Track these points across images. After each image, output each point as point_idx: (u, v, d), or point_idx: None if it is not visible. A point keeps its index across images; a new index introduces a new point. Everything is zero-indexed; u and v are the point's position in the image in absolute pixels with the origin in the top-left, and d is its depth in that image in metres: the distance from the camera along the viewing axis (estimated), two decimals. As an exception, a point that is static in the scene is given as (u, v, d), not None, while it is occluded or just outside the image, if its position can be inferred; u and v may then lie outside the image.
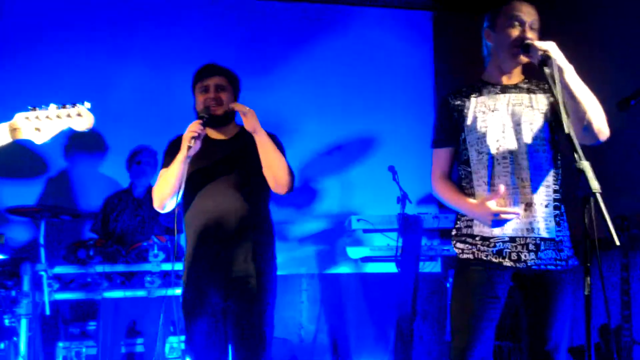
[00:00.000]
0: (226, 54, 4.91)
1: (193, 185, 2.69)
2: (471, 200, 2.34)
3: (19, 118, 1.74)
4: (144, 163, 4.23)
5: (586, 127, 2.17)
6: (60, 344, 3.79)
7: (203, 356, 2.67)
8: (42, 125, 1.72)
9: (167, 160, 2.73)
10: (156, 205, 2.74)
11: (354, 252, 4.35)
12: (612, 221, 1.69)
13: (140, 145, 4.30)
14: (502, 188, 2.22)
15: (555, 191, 2.31)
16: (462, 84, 2.53)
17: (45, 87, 4.49)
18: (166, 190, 2.65)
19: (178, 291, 3.59)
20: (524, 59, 2.30)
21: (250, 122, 2.65)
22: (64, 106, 1.78)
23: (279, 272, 2.77)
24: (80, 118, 1.74)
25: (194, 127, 2.58)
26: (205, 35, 4.94)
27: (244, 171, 2.70)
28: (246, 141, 2.72)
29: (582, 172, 1.77)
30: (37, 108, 1.78)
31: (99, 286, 3.55)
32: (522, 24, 2.30)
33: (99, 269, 3.54)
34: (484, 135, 2.32)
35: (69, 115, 1.74)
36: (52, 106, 1.79)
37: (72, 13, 4.74)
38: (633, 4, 3.91)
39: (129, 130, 4.56)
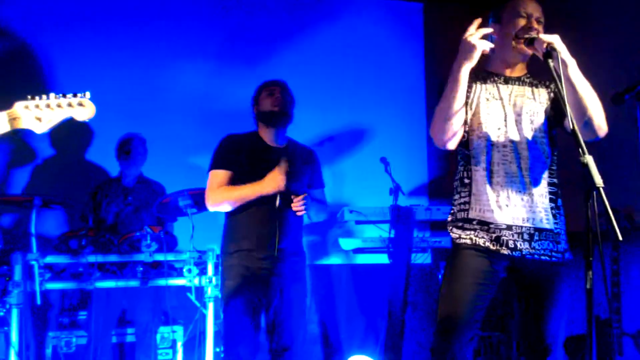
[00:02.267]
0: (215, 44, 4.91)
1: (248, 182, 3.01)
2: None
3: (19, 107, 1.71)
4: (133, 153, 4.19)
5: (586, 123, 2.20)
6: (51, 334, 3.77)
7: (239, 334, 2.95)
8: (42, 114, 1.69)
9: (221, 161, 3.09)
10: (210, 205, 3.07)
11: (346, 243, 4.35)
12: (602, 214, 1.71)
13: (128, 133, 4.25)
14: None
15: (551, 184, 2.34)
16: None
17: (36, 75, 4.42)
18: (227, 204, 3.05)
19: (171, 281, 3.59)
20: (526, 49, 2.30)
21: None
22: (64, 95, 1.75)
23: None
24: (82, 108, 1.72)
25: (280, 182, 2.95)
26: (195, 24, 4.90)
27: (293, 178, 3.05)
28: (294, 153, 3.18)
29: (585, 167, 1.79)
30: (36, 97, 1.74)
31: (90, 276, 3.52)
32: (528, 16, 2.32)
33: (91, 258, 3.51)
34: (485, 121, 2.34)
35: (70, 105, 1.71)
36: (52, 95, 1.75)
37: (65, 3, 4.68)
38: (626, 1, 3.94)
39: (116, 117, 4.50)
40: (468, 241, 2.33)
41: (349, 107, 5.01)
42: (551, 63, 2.04)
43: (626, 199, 3.66)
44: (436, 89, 2.37)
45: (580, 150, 1.82)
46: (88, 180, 4.37)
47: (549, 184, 2.33)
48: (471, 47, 2.16)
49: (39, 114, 1.69)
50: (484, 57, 2.48)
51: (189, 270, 3.51)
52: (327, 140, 4.91)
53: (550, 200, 2.32)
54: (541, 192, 2.30)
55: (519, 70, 2.44)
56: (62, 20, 4.64)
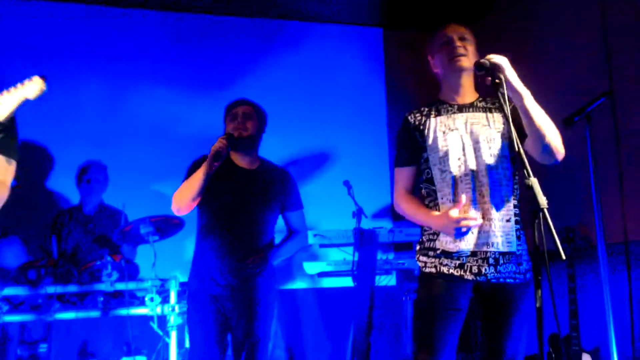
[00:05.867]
0: (178, 70, 4.92)
1: (213, 204, 3.03)
2: (435, 212, 2.39)
3: None
4: (93, 181, 4.16)
5: (545, 149, 2.28)
6: (9, 368, 3.67)
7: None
8: (1, 100, 1.88)
9: (190, 176, 3.04)
10: (173, 208, 3.05)
11: (310, 267, 4.36)
12: (558, 233, 1.76)
13: (88, 160, 4.22)
14: (464, 198, 2.29)
15: (514, 206, 2.39)
16: (414, 99, 2.61)
17: None
18: (186, 197, 2.99)
19: (133, 310, 3.54)
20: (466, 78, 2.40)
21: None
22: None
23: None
24: (31, 83, 1.87)
25: (219, 143, 2.93)
26: (158, 50, 4.91)
27: (261, 202, 3.06)
28: (265, 175, 3.14)
29: (530, 188, 1.84)
30: None
31: (50, 307, 3.45)
32: (450, 40, 2.43)
33: (50, 289, 3.45)
34: (445, 155, 2.39)
35: (22, 84, 1.88)
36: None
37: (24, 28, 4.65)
38: (575, 26, 4.08)
39: (76, 143, 4.47)
40: (433, 270, 2.38)
41: (312, 132, 5.06)
42: (500, 90, 2.10)
43: (581, 218, 3.75)
44: (397, 112, 2.46)
45: (525, 172, 1.87)
46: (48, 209, 4.31)
47: (513, 206, 2.38)
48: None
49: None
50: (437, 86, 2.56)
51: (151, 299, 3.47)
52: (291, 164, 4.92)
53: (515, 222, 2.37)
54: (503, 215, 2.34)
55: (469, 96, 2.49)
56: (20, 45, 4.59)
